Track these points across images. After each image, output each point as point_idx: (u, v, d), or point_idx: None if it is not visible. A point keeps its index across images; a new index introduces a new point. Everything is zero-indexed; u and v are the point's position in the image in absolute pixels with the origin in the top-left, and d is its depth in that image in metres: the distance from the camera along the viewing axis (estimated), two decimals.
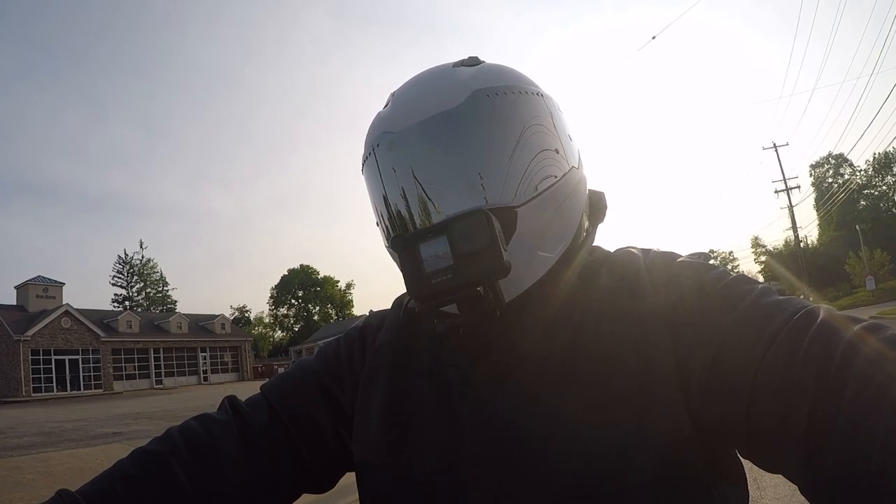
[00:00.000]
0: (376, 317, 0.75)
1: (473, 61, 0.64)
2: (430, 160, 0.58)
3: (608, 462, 0.50)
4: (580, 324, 0.57)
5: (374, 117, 0.65)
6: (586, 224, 0.66)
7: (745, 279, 0.55)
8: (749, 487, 0.59)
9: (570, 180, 0.62)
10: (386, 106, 0.64)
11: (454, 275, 0.52)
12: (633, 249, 0.63)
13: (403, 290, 0.76)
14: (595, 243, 0.68)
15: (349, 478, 0.71)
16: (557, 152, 0.62)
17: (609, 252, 0.66)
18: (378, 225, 0.65)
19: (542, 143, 0.60)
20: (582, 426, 0.52)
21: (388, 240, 0.64)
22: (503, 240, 0.53)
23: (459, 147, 0.57)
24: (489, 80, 0.60)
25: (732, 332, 0.49)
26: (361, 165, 0.65)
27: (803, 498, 0.45)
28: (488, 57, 0.66)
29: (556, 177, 0.60)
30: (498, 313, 0.53)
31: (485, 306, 0.53)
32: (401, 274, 0.58)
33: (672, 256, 0.61)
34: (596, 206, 0.69)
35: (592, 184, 0.70)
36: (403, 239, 0.55)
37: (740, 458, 0.56)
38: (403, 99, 0.62)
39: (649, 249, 0.63)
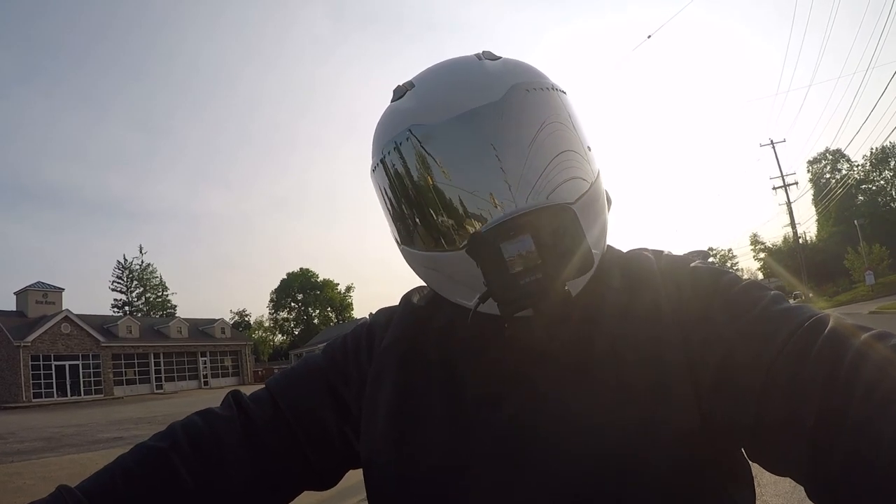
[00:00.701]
0: (384, 314, 0.73)
1: (491, 55, 0.63)
2: (480, 153, 0.56)
3: (616, 461, 0.50)
4: (591, 322, 0.57)
5: (387, 111, 0.63)
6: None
7: (757, 285, 0.55)
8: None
9: (599, 178, 0.62)
10: (400, 98, 0.62)
11: (545, 274, 0.50)
12: (645, 252, 0.63)
13: (404, 290, 0.75)
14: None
15: (354, 478, 0.70)
16: (590, 150, 0.62)
17: (622, 252, 0.65)
18: (401, 223, 0.63)
19: (577, 140, 0.61)
20: (590, 424, 0.51)
21: (399, 237, 0.64)
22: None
23: (511, 141, 0.56)
24: (521, 75, 0.59)
25: (744, 334, 0.49)
26: (377, 163, 0.62)
27: (804, 494, 0.45)
28: None
29: (593, 175, 0.61)
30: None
31: (569, 305, 0.52)
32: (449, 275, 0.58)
33: (685, 260, 0.61)
34: None
35: None
36: (484, 238, 0.51)
37: (748, 459, 0.55)
38: (433, 90, 0.60)
39: (661, 252, 0.63)
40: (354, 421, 0.66)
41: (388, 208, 0.64)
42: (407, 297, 0.73)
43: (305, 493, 0.69)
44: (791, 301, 0.52)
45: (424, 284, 0.71)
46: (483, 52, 0.64)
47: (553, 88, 0.61)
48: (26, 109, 77.25)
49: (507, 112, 0.56)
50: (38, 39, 77.22)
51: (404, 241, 0.64)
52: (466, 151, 0.56)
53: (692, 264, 0.60)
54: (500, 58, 0.63)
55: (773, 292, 0.54)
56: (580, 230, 0.51)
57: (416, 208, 0.60)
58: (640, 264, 0.60)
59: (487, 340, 0.59)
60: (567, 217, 0.51)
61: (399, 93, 0.63)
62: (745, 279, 0.56)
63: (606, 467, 0.50)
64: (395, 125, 0.60)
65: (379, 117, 0.65)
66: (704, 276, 0.57)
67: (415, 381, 0.63)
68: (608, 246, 0.67)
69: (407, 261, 0.66)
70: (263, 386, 0.72)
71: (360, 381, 0.67)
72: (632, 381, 0.52)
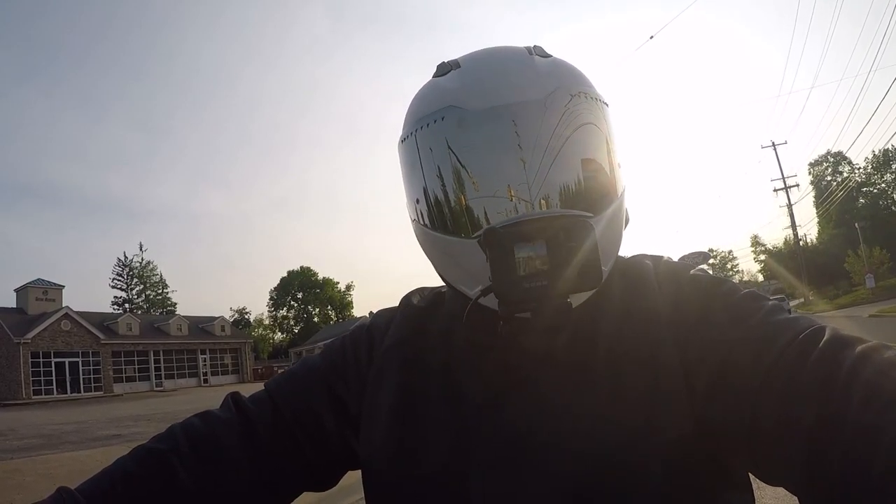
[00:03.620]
0: (383, 316, 0.74)
1: (542, 52, 0.62)
2: (511, 149, 0.55)
3: (613, 463, 0.50)
4: (590, 325, 0.57)
5: (428, 85, 0.63)
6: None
7: (756, 295, 0.55)
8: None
9: (623, 196, 0.61)
10: (444, 74, 0.62)
11: (550, 282, 0.49)
12: (645, 258, 0.63)
13: (405, 289, 0.76)
14: None
15: (352, 477, 0.71)
16: (620, 166, 0.61)
17: (622, 257, 0.65)
18: (420, 201, 0.62)
19: (609, 154, 0.60)
20: (589, 427, 0.52)
21: (416, 215, 0.63)
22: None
23: (544, 143, 0.55)
24: (568, 78, 0.59)
25: (741, 340, 0.49)
26: (408, 134, 0.61)
27: None
28: None
29: (620, 192, 0.60)
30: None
31: (566, 316, 0.51)
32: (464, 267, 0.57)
33: (684, 267, 0.61)
34: None
35: None
36: (498, 234, 0.51)
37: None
38: (477, 75, 0.59)
39: (661, 258, 0.63)
40: (354, 422, 0.66)
41: (409, 183, 0.63)
42: (407, 299, 0.73)
43: (304, 493, 0.69)
44: (789, 303, 0.53)
45: (424, 286, 0.72)
46: (534, 46, 0.63)
47: (597, 99, 0.60)
48: (26, 109, 77.17)
49: (546, 113, 0.56)
50: (38, 39, 77.21)
51: (420, 220, 0.63)
52: (498, 144, 0.55)
53: (691, 272, 0.60)
54: (550, 56, 0.62)
55: (771, 303, 0.54)
56: (594, 245, 0.50)
57: (437, 190, 0.59)
58: (639, 270, 0.61)
59: (488, 343, 0.59)
60: (584, 230, 0.50)
61: (443, 70, 0.62)
62: (745, 289, 0.56)
63: (604, 470, 0.50)
64: (433, 101, 0.59)
65: (415, 94, 0.64)
66: (703, 284, 0.57)
67: (416, 383, 0.63)
68: None
69: (418, 239, 0.65)
70: (263, 387, 0.72)
71: (360, 382, 0.67)
72: (628, 384, 0.52)
